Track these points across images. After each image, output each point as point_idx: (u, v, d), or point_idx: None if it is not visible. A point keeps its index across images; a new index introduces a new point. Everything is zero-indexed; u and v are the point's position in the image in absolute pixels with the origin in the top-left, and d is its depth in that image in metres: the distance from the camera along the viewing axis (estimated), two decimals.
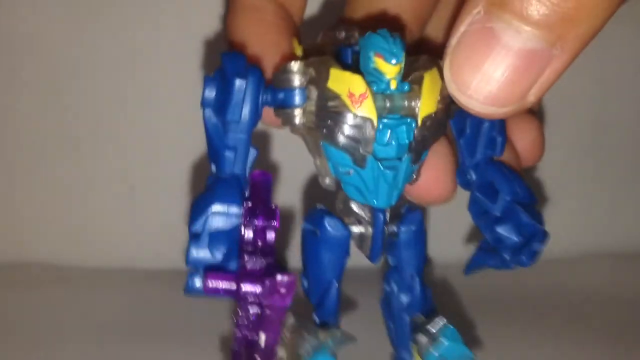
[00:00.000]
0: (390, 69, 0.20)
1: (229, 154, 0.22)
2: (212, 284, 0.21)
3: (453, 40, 0.20)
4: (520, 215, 0.25)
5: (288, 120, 0.23)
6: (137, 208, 0.44)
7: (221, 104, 0.22)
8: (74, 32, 0.41)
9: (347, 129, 0.21)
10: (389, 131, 0.21)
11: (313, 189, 0.43)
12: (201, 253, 0.21)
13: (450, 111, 0.23)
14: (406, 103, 0.21)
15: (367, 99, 0.21)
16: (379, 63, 0.20)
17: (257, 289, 0.21)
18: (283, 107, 0.22)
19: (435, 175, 0.24)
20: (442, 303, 0.40)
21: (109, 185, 0.44)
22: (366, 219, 0.24)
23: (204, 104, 0.22)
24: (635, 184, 0.47)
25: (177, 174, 0.44)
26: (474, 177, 0.26)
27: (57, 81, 0.42)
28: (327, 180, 0.23)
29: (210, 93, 0.22)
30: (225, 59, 0.22)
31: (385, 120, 0.21)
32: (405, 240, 0.25)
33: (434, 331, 0.25)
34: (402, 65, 0.21)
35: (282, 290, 0.21)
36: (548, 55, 0.19)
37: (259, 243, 0.22)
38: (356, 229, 0.24)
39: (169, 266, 0.44)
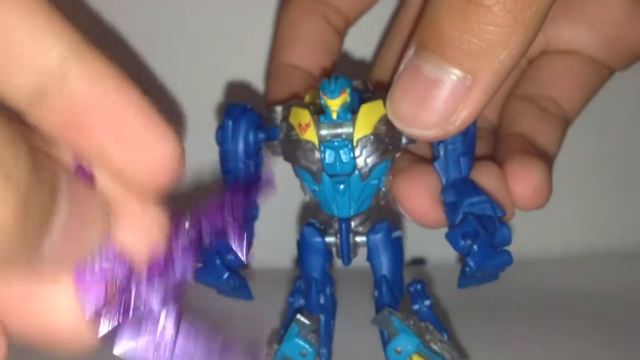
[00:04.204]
0: (331, 103, 0.25)
1: (228, 177, 0.29)
2: None
3: (395, 76, 0.25)
4: (468, 223, 0.27)
5: (273, 151, 0.29)
6: None
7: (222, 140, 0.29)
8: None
9: (299, 152, 0.27)
10: (334, 152, 0.26)
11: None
12: None
13: (396, 133, 0.27)
14: (344, 129, 0.26)
15: (310, 127, 0.26)
16: (324, 99, 0.26)
17: None
18: (271, 141, 0.28)
19: (422, 204, 0.28)
20: (440, 302, 0.40)
21: None
22: (336, 228, 0.28)
23: (217, 142, 0.29)
24: (636, 183, 0.47)
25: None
26: (445, 197, 0.28)
27: None
28: (307, 197, 0.28)
29: (219, 134, 0.29)
30: (227, 108, 0.29)
31: (330, 143, 0.26)
32: (372, 247, 0.29)
33: (379, 320, 0.28)
34: (343, 99, 0.25)
35: None
36: (462, 86, 0.23)
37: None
38: (329, 239, 0.29)
39: None
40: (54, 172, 0.16)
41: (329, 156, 0.26)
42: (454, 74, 0.23)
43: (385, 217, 0.29)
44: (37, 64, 0.18)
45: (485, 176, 0.28)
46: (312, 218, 0.30)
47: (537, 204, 0.29)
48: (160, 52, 0.43)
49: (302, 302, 0.30)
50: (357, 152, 0.26)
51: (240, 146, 0.28)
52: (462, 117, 0.24)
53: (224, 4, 0.42)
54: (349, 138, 0.26)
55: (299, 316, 0.28)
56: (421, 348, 0.27)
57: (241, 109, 0.29)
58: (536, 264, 0.46)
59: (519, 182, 0.29)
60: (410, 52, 0.25)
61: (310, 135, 0.26)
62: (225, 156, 0.29)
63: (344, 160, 0.26)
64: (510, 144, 0.31)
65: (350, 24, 0.35)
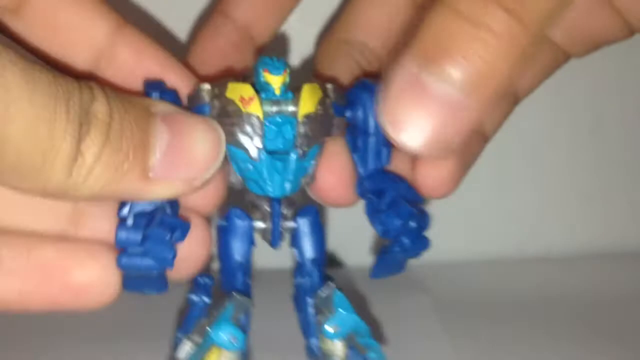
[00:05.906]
0: (274, 79, 0.26)
1: None
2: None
3: (387, 87, 0.24)
4: (399, 204, 0.28)
5: None
6: None
7: None
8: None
9: (239, 127, 0.26)
10: (277, 128, 0.26)
11: None
12: (125, 234, 0.26)
13: (330, 117, 0.27)
14: (289, 107, 0.26)
15: (254, 101, 0.26)
16: (266, 76, 0.26)
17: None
18: None
19: (333, 179, 0.29)
20: (439, 302, 0.40)
21: None
22: (267, 209, 0.28)
23: None
24: (635, 183, 0.47)
25: None
26: (367, 185, 0.29)
27: None
28: (233, 179, 0.28)
29: None
30: (146, 84, 0.28)
31: (273, 119, 0.26)
32: (302, 230, 0.29)
33: (324, 296, 0.28)
34: (284, 77, 0.26)
35: None
36: (465, 105, 0.23)
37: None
38: (260, 224, 0.29)
39: None
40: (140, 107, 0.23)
41: (272, 131, 0.26)
42: (462, 91, 0.23)
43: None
44: (91, 42, 0.26)
45: (396, 160, 0.29)
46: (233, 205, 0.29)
47: (441, 195, 0.30)
48: None
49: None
50: (299, 129, 0.26)
51: None
52: (460, 134, 0.24)
53: None
54: (294, 115, 0.26)
55: (234, 294, 0.27)
56: (359, 326, 0.27)
57: (161, 84, 0.28)
58: (536, 264, 0.46)
59: (426, 173, 0.29)
60: (410, 63, 0.24)
61: (255, 108, 0.26)
62: None
63: (286, 137, 0.26)
64: None
65: None
